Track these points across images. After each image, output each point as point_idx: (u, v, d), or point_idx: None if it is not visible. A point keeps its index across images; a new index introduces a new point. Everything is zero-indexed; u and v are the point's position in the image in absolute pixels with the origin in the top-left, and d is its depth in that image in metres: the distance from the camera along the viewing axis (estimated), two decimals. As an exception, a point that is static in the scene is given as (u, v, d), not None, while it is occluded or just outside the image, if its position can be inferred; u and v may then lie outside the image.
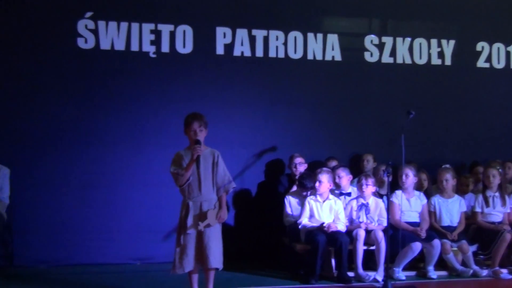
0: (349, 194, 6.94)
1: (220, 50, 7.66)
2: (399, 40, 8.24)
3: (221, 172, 5.31)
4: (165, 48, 7.51)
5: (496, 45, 8.52)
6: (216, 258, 5.20)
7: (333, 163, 7.45)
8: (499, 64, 8.54)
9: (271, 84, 7.80)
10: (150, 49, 7.46)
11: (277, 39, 7.83)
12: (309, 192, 6.73)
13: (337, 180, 6.87)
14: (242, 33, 7.72)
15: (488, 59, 8.51)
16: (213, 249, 5.18)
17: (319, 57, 7.97)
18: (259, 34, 7.78)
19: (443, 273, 6.73)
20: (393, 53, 8.22)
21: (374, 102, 8.13)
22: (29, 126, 7.12)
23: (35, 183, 7.06)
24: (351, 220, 6.71)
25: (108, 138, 7.29)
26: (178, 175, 5.18)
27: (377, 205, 6.72)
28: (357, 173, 7.34)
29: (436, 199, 6.96)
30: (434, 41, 8.34)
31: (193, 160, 5.12)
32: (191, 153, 5.15)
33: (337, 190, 6.95)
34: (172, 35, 7.52)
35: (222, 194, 5.32)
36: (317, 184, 6.54)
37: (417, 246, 6.47)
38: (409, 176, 6.79)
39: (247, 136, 7.64)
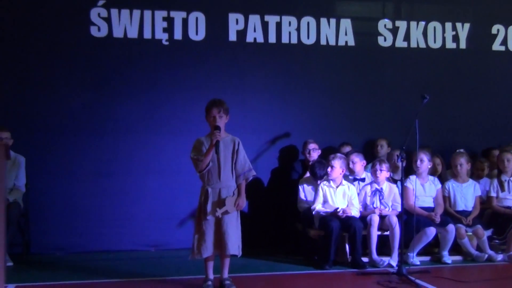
0: (363, 179, 6.93)
1: (232, 37, 7.62)
2: (413, 24, 8.15)
3: (242, 159, 5.31)
4: (178, 35, 7.47)
5: (512, 28, 8.41)
6: (234, 245, 5.21)
7: (347, 148, 7.44)
8: (515, 46, 8.43)
9: (284, 70, 7.76)
10: (162, 36, 7.43)
11: (289, 24, 7.77)
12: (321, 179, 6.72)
13: (351, 166, 6.86)
14: (254, 19, 7.67)
15: (504, 42, 8.38)
16: (231, 236, 5.19)
17: (332, 42, 7.90)
18: (272, 20, 7.72)
19: (458, 258, 6.71)
20: (407, 37, 8.12)
21: (388, 87, 8.06)
22: (44, 114, 7.15)
23: (50, 171, 7.10)
24: (365, 206, 6.71)
25: (122, 126, 7.30)
26: (198, 160, 5.18)
27: (391, 191, 6.70)
28: (371, 158, 7.32)
29: (451, 184, 6.95)
30: (448, 25, 8.22)
31: (212, 145, 5.11)
32: (211, 139, 5.14)
33: (351, 175, 6.94)
34: (185, 22, 7.49)
35: (241, 182, 5.31)
36: (329, 169, 6.52)
37: (431, 231, 6.45)
38: (424, 161, 6.76)
39: (260, 123, 7.63)
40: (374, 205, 6.64)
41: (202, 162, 5.16)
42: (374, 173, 6.73)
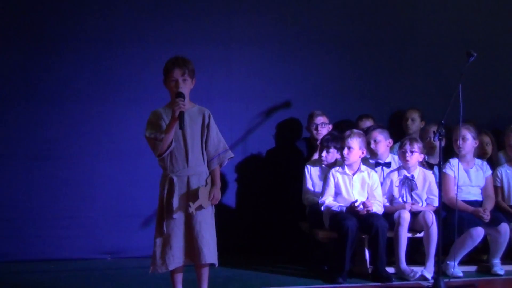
0: (388, 164, 6.91)
1: (212, -29, 7.67)
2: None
3: (214, 137, 5.28)
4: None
5: None
6: (211, 251, 5.17)
7: (367, 123, 7.44)
8: None
9: (284, 17, 7.77)
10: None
11: (291, -46, 7.83)
12: (336, 158, 6.74)
13: (372, 146, 6.85)
14: None
15: None
16: (206, 239, 5.15)
17: (348, -20, 7.98)
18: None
19: (513, 267, 6.75)
20: (446, -23, 8.20)
21: (422, 41, 8.11)
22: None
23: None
24: (391, 199, 6.70)
25: (64, 93, 7.28)
26: (156, 140, 5.11)
27: (425, 179, 6.69)
28: (399, 136, 7.32)
29: (504, 170, 6.99)
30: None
31: (175, 118, 5.04)
32: (172, 110, 5.06)
33: (372, 158, 6.92)
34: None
35: (215, 167, 5.29)
36: (345, 151, 6.48)
37: (478, 233, 6.45)
38: (468, 140, 6.77)
39: (250, 88, 7.64)
40: (404, 199, 6.62)
41: (162, 142, 5.10)
42: (402, 156, 6.70)
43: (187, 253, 5.18)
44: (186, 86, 5.19)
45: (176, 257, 5.14)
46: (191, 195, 5.15)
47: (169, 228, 5.15)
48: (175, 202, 5.13)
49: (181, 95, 5.08)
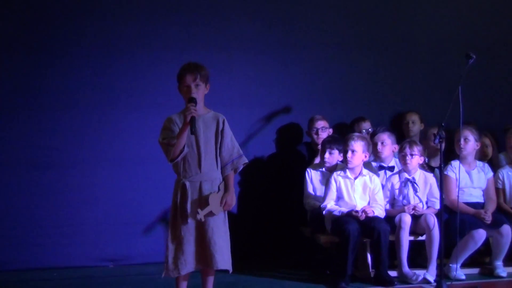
0: (391, 168, 6.93)
1: (214, -23, 7.67)
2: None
3: (228, 143, 5.27)
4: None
5: None
6: (224, 257, 5.16)
7: (365, 125, 7.44)
8: None
9: (284, 22, 7.78)
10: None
11: (290, -41, 7.83)
12: (338, 160, 6.73)
13: (379, 148, 6.85)
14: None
15: None
16: (219, 245, 5.14)
17: (347, -16, 7.99)
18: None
19: (516, 269, 6.75)
20: (446, -23, 8.22)
21: (421, 44, 8.12)
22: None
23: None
24: (392, 202, 6.70)
25: (66, 100, 7.24)
26: (169, 145, 5.11)
27: (426, 181, 6.70)
28: (398, 139, 7.28)
29: (505, 172, 7.01)
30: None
31: (186, 123, 5.04)
32: (184, 116, 5.07)
33: (375, 161, 6.94)
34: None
35: (229, 173, 5.28)
36: (349, 154, 6.48)
37: (480, 235, 6.46)
38: (469, 141, 6.79)
39: (252, 93, 7.64)
40: (405, 200, 6.63)
41: (175, 147, 5.08)
42: (402, 159, 6.71)
43: (198, 258, 5.17)
44: (199, 92, 5.19)
45: (189, 262, 5.14)
46: (202, 201, 5.15)
47: (182, 233, 5.14)
48: (188, 207, 5.13)
49: (192, 100, 5.08)
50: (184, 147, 5.11)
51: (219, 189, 5.21)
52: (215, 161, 5.23)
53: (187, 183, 5.15)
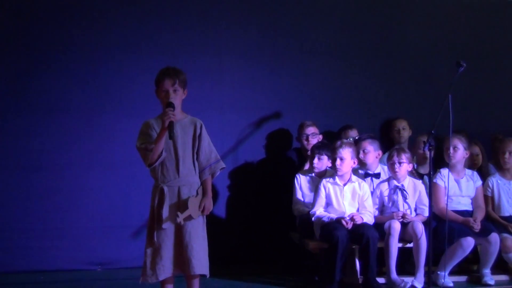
0: (377, 175, 6.91)
1: (204, -19, 7.66)
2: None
3: (206, 147, 5.28)
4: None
5: None
6: (201, 262, 5.17)
7: (352, 133, 7.44)
8: None
9: (274, 28, 7.78)
10: (111, -18, 7.46)
11: (281, -35, 7.83)
12: (327, 166, 6.74)
13: (361, 156, 6.85)
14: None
15: None
16: (196, 250, 5.14)
17: (337, -10, 7.98)
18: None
19: (503, 277, 6.74)
20: (436, -17, 8.22)
21: (411, 50, 8.12)
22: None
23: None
24: (381, 209, 6.71)
25: (56, 104, 7.25)
26: (146, 150, 5.12)
27: (415, 189, 6.71)
28: (388, 146, 7.34)
29: (495, 181, 6.99)
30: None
31: (165, 128, 5.04)
32: (162, 121, 5.07)
33: (361, 169, 6.93)
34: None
35: (207, 177, 5.29)
36: (338, 162, 6.48)
37: (468, 243, 6.46)
38: (459, 150, 6.76)
39: (241, 98, 7.64)
40: (395, 207, 6.63)
41: (153, 152, 5.10)
42: (391, 167, 6.71)
43: (177, 263, 5.17)
44: (177, 97, 5.20)
45: (167, 267, 5.14)
46: (181, 205, 5.15)
47: (159, 239, 5.14)
48: (165, 212, 5.12)
49: (171, 105, 5.08)
50: (162, 152, 5.11)
51: (197, 194, 5.23)
52: (193, 165, 5.25)
53: (165, 188, 5.16)
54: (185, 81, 5.28)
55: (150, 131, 5.18)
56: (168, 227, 5.15)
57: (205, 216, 5.28)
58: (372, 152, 6.89)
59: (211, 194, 5.29)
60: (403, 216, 6.51)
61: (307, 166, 7.02)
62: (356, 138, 7.15)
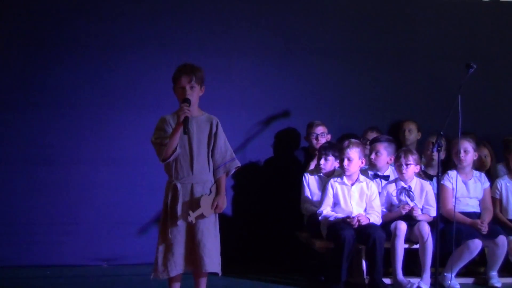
0: (386, 177, 6.88)
1: (215, -20, 7.66)
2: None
3: (221, 145, 5.27)
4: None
5: None
6: (213, 260, 5.15)
7: (372, 135, 7.36)
8: None
9: (283, 26, 7.77)
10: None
11: (292, -35, 7.82)
12: (335, 166, 6.74)
13: (372, 157, 6.83)
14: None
15: None
16: (208, 248, 5.13)
17: (347, -9, 7.96)
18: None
19: (511, 280, 6.72)
20: (447, -16, 8.19)
21: (421, 52, 8.07)
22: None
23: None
24: (389, 209, 6.68)
25: (64, 98, 7.28)
26: (161, 145, 5.10)
27: (422, 189, 6.69)
28: (396, 147, 7.23)
29: (503, 182, 6.97)
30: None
31: (179, 123, 5.04)
32: (177, 116, 5.08)
33: (370, 170, 6.91)
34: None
35: (221, 175, 5.28)
36: (345, 162, 6.47)
37: (476, 245, 6.45)
38: (469, 152, 6.75)
39: (250, 97, 7.65)
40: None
41: (167, 147, 5.09)
42: (398, 169, 6.69)
43: (188, 260, 5.16)
44: (194, 93, 5.18)
45: (178, 264, 5.13)
46: (194, 203, 5.15)
47: (171, 235, 5.14)
48: (179, 209, 5.11)
49: (186, 100, 5.08)
50: (176, 148, 5.10)
51: (210, 192, 5.20)
52: (207, 163, 5.23)
53: (179, 185, 5.15)
54: (203, 78, 5.25)
55: (166, 126, 5.16)
56: (180, 224, 5.14)
57: (217, 214, 5.27)
58: (384, 156, 6.86)
59: (225, 193, 5.27)
60: (411, 211, 6.47)
61: (312, 166, 7.02)
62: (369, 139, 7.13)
